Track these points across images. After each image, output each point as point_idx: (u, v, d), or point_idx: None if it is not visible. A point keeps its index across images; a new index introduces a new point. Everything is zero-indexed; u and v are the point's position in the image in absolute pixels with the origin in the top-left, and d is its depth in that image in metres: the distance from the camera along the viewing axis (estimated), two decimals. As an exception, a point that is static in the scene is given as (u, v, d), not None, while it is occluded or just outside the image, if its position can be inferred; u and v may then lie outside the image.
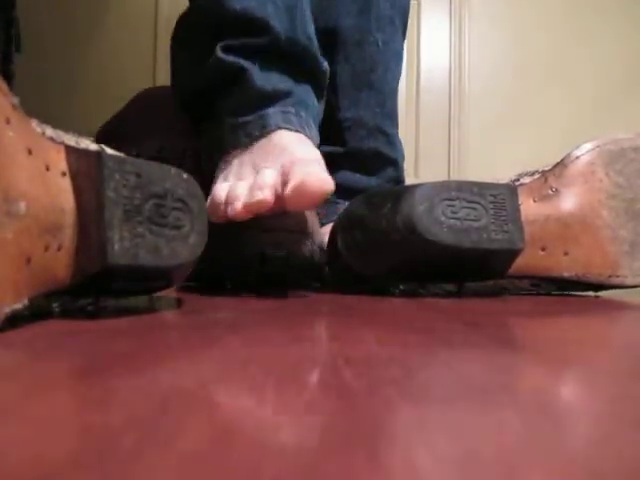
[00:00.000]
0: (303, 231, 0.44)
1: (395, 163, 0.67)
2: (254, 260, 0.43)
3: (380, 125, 0.65)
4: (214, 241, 0.43)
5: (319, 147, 0.49)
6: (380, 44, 0.65)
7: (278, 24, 0.48)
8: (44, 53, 1.38)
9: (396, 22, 0.67)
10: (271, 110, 0.47)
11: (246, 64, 0.48)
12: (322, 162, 0.41)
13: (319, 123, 0.52)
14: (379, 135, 0.65)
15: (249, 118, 0.47)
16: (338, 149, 0.65)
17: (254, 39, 0.48)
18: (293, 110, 0.48)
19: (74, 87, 1.41)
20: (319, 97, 0.53)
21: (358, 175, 0.65)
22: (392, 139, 0.67)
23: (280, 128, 0.45)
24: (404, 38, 0.70)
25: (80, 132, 0.29)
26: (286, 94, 0.48)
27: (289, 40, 0.49)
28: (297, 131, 0.46)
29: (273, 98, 0.48)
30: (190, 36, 0.53)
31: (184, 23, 0.54)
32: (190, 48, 0.52)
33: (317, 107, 0.52)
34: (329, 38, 0.64)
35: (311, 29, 0.51)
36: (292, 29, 0.49)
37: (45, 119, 0.25)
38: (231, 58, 0.48)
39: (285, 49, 0.49)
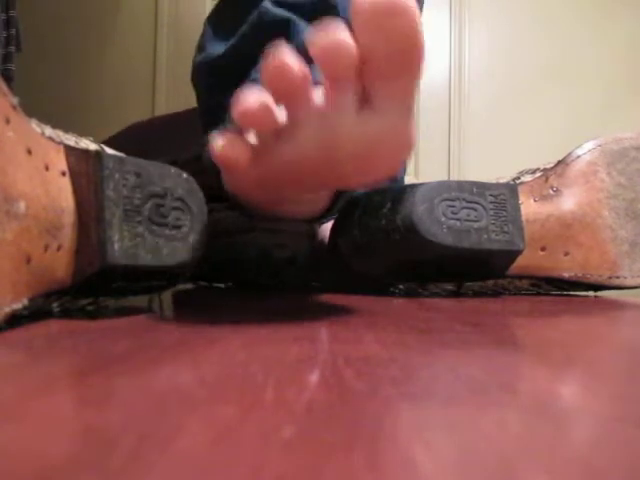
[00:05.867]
0: (306, 233, 0.46)
1: (392, 178, 0.66)
2: (258, 261, 0.43)
3: None
4: (217, 242, 0.44)
5: None
6: None
7: None
8: (44, 54, 1.38)
9: None
10: None
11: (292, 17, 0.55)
12: None
13: None
14: None
15: None
16: None
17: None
18: None
19: (74, 87, 1.42)
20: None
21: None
22: None
23: None
24: None
25: (80, 133, 0.29)
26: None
27: None
28: None
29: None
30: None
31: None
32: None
33: None
34: None
35: None
36: None
37: (45, 120, 0.25)
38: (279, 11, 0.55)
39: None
